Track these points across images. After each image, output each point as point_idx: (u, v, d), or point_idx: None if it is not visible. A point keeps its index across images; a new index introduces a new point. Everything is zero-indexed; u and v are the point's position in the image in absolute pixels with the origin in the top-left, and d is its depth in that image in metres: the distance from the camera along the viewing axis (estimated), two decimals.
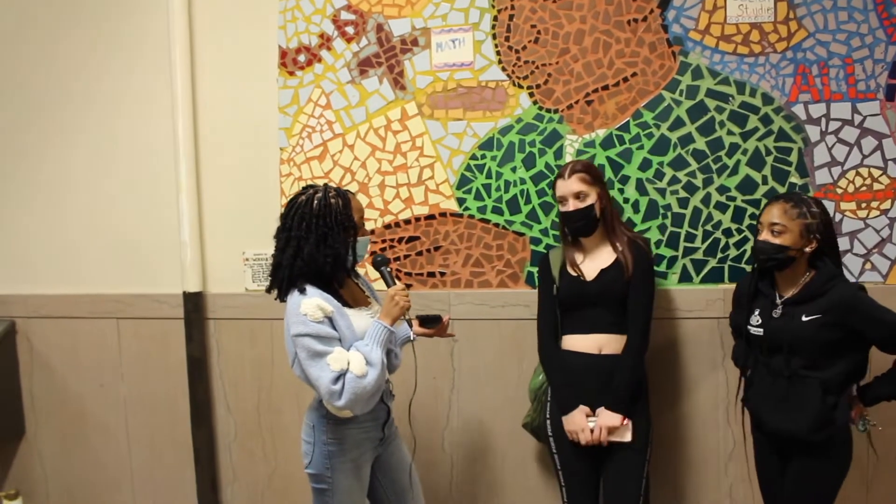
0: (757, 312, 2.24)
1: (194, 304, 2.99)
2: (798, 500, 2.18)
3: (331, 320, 2.01)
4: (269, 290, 2.14)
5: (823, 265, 2.15)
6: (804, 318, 2.11)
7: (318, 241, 2.03)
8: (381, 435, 2.20)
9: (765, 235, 2.18)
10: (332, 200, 2.07)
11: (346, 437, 2.10)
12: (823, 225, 2.15)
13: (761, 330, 2.21)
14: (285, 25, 2.91)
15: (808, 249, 2.15)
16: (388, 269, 2.24)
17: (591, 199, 2.37)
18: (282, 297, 2.10)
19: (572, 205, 2.36)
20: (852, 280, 2.53)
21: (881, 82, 2.54)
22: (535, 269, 2.68)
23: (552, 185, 2.46)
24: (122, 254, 3.11)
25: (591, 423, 2.31)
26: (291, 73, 2.91)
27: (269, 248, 2.20)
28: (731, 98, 2.61)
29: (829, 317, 2.08)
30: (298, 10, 2.89)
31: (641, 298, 2.39)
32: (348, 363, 1.99)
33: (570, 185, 2.36)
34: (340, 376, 1.97)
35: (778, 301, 2.20)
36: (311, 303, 1.99)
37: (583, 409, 2.33)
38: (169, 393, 3.07)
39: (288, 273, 2.05)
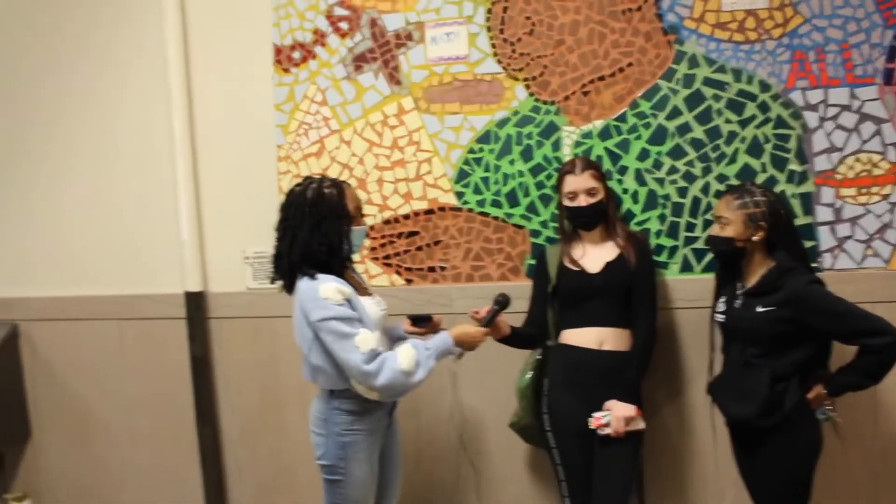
0: (722, 301, 2.29)
1: (196, 304, 2.99)
2: (768, 485, 2.20)
3: (349, 302, 2.05)
4: (273, 281, 2.18)
5: (780, 257, 2.17)
6: (758, 310, 2.15)
7: (311, 229, 2.08)
8: (388, 422, 2.24)
9: (715, 229, 2.27)
10: (327, 190, 2.12)
11: (361, 428, 2.12)
12: (771, 214, 2.17)
13: (724, 318, 2.27)
14: (279, 22, 2.90)
15: (755, 238, 2.18)
16: (497, 309, 2.30)
17: (601, 194, 2.41)
18: (288, 287, 2.14)
19: (584, 200, 2.38)
20: (853, 264, 2.54)
21: (879, 66, 2.53)
22: (534, 262, 2.68)
23: (559, 180, 2.46)
24: (122, 255, 3.11)
25: (605, 417, 2.32)
26: (286, 70, 2.91)
27: (269, 247, 2.22)
28: (727, 86, 2.60)
29: (782, 310, 2.11)
30: (292, 6, 2.88)
31: (648, 292, 2.44)
32: (377, 342, 2.04)
33: (583, 181, 2.39)
34: (373, 357, 2.00)
35: (739, 291, 2.23)
36: (330, 287, 2.03)
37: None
38: (172, 393, 3.08)
39: (288, 262, 2.10)
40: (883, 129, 2.54)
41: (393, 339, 2.32)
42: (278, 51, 2.91)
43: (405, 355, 2.04)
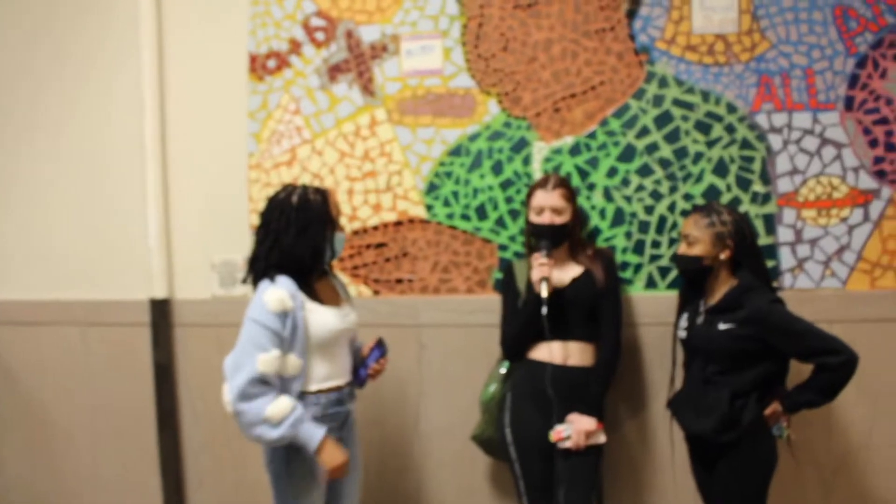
0: (685, 317, 2.32)
1: (161, 311, 2.96)
2: (725, 499, 2.23)
3: (286, 317, 2.04)
4: (244, 282, 2.19)
5: (743, 276, 2.21)
6: (720, 327, 2.19)
7: (297, 233, 2.09)
8: (339, 436, 2.21)
9: (682, 247, 2.29)
10: (312, 196, 2.14)
11: None
12: (737, 233, 2.21)
13: (686, 335, 2.30)
14: (255, 30, 2.90)
15: (722, 257, 2.22)
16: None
17: (567, 216, 2.42)
18: (255, 288, 2.15)
19: (548, 218, 2.39)
20: (812, 284, 2.58)
21: (840, 93, 2.60)
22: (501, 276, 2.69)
23: (529, 193, 2.48)
24: (88, 260, 3.08)
25: (566, 431, 2.33)
26: (261, 79, 2.91)
27: (237, 254, 2.22)
28: (696, 107, 2.65)
29: (743, 328, 2.15)
30: (268, 15, 2.89)
31: (614, 308, 2.47)
32: (274, 369, 2.02)
33: (552, 198, 2.40)
34: (259, 382, 2.00)
35: (702, 309, 2.26)
36: (276, 293, 2.04)
37: None
38: (135, 400, 3.03)
39: (264, 265, 2.11)
40: (843, 154, 2.60)
41: (355, 352, 2.33)
42: (253, 59, 2.91)
43: (280, 406, 2.00)
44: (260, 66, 2.91)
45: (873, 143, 2.59)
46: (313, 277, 2.17)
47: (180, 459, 3.03)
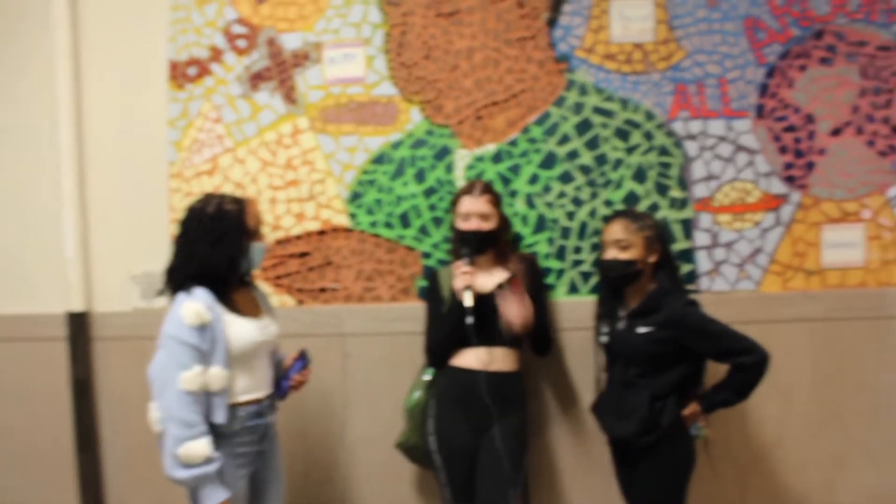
0: (606, 322, 2.35)
1: (79, 324, 2.87)
2: (646, 500, 2.26)
3: (205, 329, 2.01)
4: (161, 293, 2.14)
5: (661, 280, 2.25)
6: (639, 331, 2.22)
7: (213, 243, 2.07)
8: (259, 448, 2.17)
9: (611, 253, 2.28)
10: (229, 206, 2.11)
11: (220, 452, 2.05)
12: (659, 237, 2.26)
13: (607, 339, 2.33)
14: (175, 37, 2.85)
15: (651, 260, 2.26)
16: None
17: (494, 222, 2.44)
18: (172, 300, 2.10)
19: (475, 224, 2.41)
20: (728, 286, 2.65)
21: (752, 101, 2.68)
22: (426, 283, 2.69)
23: (455, 200, 2.48)
24: (1, 272, 2.96)
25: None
26: (181, 86, 2.85)
27: (158, 265, 2.18)
28: (615, 114, 2.70)
29: (662, 331, 2.19)
30: (189, 21, 2.84)
31: (542, 309, 2.49)
32: (199, 385, 1.99)
33: (479, 204, 2.41)
34: (185, 405, 1.97)
35: (622, 313, 2.30)
36: (192, 307, 2.00)
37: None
38: (51, 418, 2.92)
39: (181, 275, 2.08)
40: (755, 160, 2.68)
41: (276, 364, 2.29)
42: (174, 66, 2.86)
43: (194, 451, 1.95)
44: (180, 74, 2.85)
45: (783, 150, 2.68)
46: (231, 288, 2.14)
47: (100, 480, 2.93)
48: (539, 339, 2.49)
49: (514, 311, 2.37)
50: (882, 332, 2.70)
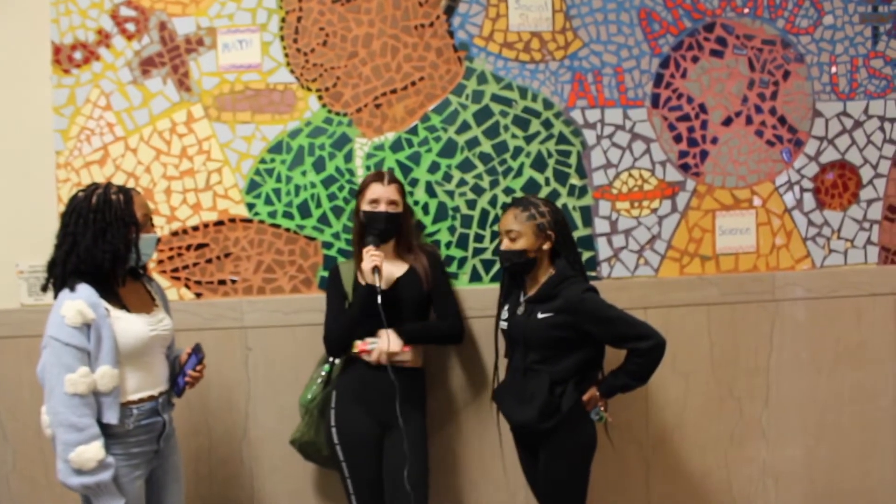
0: (506, 308, 2.35)
1: None
2: (550, 486, 2.29)
3: (89, 328, 1.93)
4: (44, 289, 2.05)
5: (560, 266, 2.27)
6: (539, 316, 2.24)
7: (95, 237, 1.98)
8: (156, 447, 2.10)
9: (505, 244, 2.31)
10: (113, 197, 2.02)
11: (116, 452, 1.98)
12: (555, 223, 2.28)
13: (507, 325, 2.35)
14: (58, 18, 2.70)
15: (545, 247, 2.27)
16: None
17: (400, 208, 2.44)
18: (56, 296, 2.00)
19: (384, 207, 2.40)
20: (628, 272, 2.70)
21: (647, 91, 2.73)
22: (327, 274, 2.65)
23: (362, 187, 2.45)
24: None
25: (371, 345, 2.36)
26: (67, 71, 2.72)
27: (45, 260, 2.06)
28: (514, 103, 2.71)
29: (560, 316, 2.21)
30: (73, 2, 2.70)
31: (446, 300, 2.51)
32: (87, 387, 1.91)
33: (389, 192, 2.42)
34: (74, 407, 1.89)
35: (521, 299, 2.31)
36: (73, 305, 1.92)
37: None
38: None
39: (62, 270, 1.99)
40: (651, 148, 2.74)
41: (173, 360, 2.23)
42: (57, 50, 2.72)
43: (86, 456, 1.88)
44: (65, 58, 2.72)
45: (678, 139, 2.74)
46: (117, 283, 2.05)
47: None
48: (439, 340, 2.53)
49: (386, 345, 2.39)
50: (772, 314, 2.82)
